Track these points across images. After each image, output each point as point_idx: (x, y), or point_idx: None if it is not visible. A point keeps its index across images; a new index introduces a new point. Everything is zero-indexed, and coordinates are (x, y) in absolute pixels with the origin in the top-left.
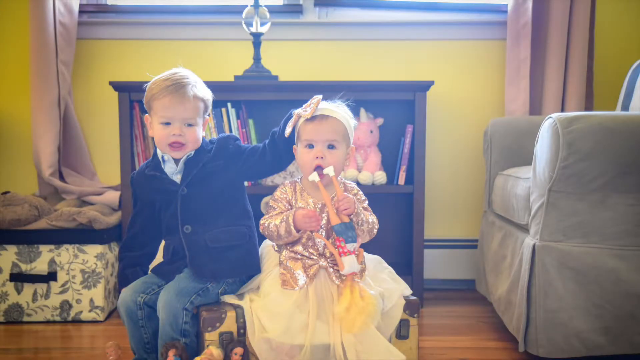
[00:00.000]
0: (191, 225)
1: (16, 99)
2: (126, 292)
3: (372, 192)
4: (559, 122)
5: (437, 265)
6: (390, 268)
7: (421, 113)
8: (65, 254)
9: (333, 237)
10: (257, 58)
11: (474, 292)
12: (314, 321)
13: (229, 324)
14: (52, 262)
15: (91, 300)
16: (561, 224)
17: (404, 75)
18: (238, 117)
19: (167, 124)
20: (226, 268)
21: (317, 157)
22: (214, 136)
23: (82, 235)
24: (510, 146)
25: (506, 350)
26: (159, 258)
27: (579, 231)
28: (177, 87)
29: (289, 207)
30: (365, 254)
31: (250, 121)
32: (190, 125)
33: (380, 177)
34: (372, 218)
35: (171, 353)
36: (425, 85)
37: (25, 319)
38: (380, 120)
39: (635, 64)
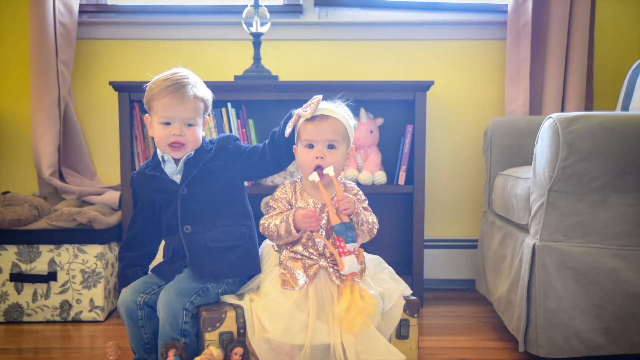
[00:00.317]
0: (191, 225)
1: (16, 99)
2: (126, 292)
3: (372, 192)
4: (559, 122)
5: (437, 265)
6: (390, 268)
7: (421, 113)
8: (65, 254)
9: (333, 237)
10: (257, 58)
11: (474, 292)
12: (314, 321)
13: (229, 324)
14: (52, 262)
15: (91, 300)
16: (561, 224)
17: (404, 75)
18: (238, 117)
19: (167, 124)
20: (226, 268)
21: (317, 157)
22: (214, 136)
23: (82, 235)
24: (510, 146)
25: (506, 350)
26: (159, 258)
27: (579, 231)
28: (177, 87)
29: (289, 207)
30: (365, 254)
31: (250, 121)
32: (190, 125)
33: (380, 177)
34: (372, 218)
35: (171, 353)
36: (425, 85)
37: (25, 319)
38: (380, 120)
39: (636, 64)
